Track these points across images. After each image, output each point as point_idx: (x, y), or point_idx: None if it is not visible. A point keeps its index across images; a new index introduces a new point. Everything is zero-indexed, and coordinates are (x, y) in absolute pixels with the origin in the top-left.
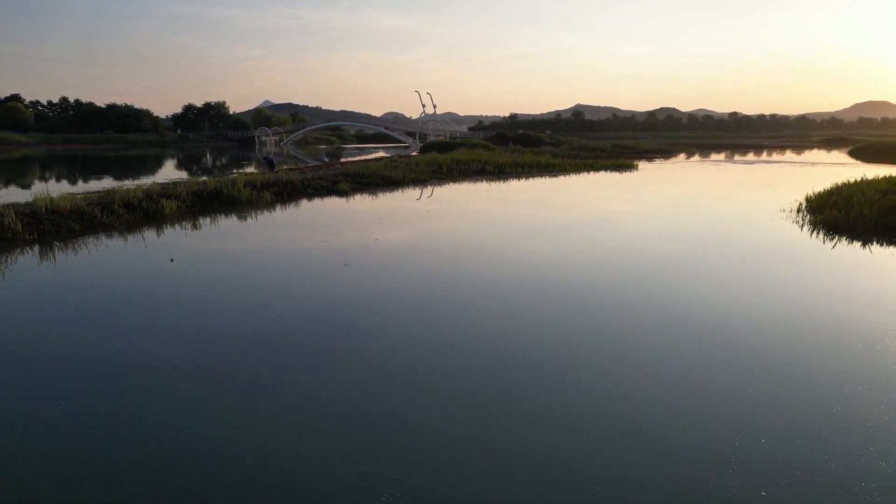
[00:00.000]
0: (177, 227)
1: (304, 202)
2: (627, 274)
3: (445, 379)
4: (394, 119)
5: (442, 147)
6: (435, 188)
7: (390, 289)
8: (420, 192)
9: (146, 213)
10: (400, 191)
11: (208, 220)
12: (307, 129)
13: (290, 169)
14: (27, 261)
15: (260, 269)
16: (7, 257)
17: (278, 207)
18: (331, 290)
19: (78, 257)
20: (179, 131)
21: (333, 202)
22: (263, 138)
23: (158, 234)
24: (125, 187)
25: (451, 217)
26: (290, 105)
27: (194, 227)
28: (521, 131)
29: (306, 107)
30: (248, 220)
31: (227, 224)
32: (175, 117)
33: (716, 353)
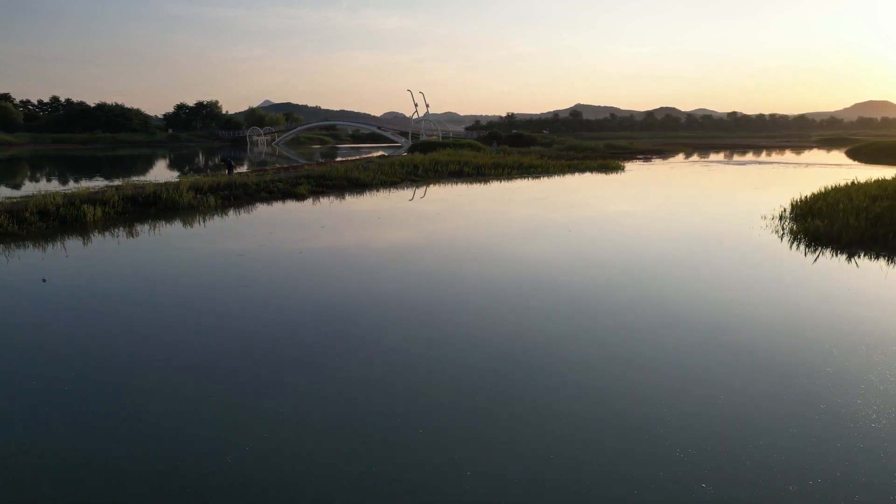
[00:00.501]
0: (96, 236)
1: (254, 207)
2: (574, 285)
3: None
4: (393, 119)
5: (427, 147)
6: (402, 191)
7: (293, 306)
8: (384, 194)
9: (64, 220)
10: (365, 194)
11: (136, 227)
12: (299, 128)
13: (255, 170)
14: None
15: (137, 282)
16: None
17: (221, 213)
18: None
19: None
20: (171, 131)
21: (285, 207)
22: (255, 138)
23: (63, 245)
24: (70, 191)
25: (399, 223)
26: (289, 105)
27: (116, 235)
28: (514, 131)
29: (305, 106)
30: (177, 226)
31: (150, 233)
32: (167, 117)
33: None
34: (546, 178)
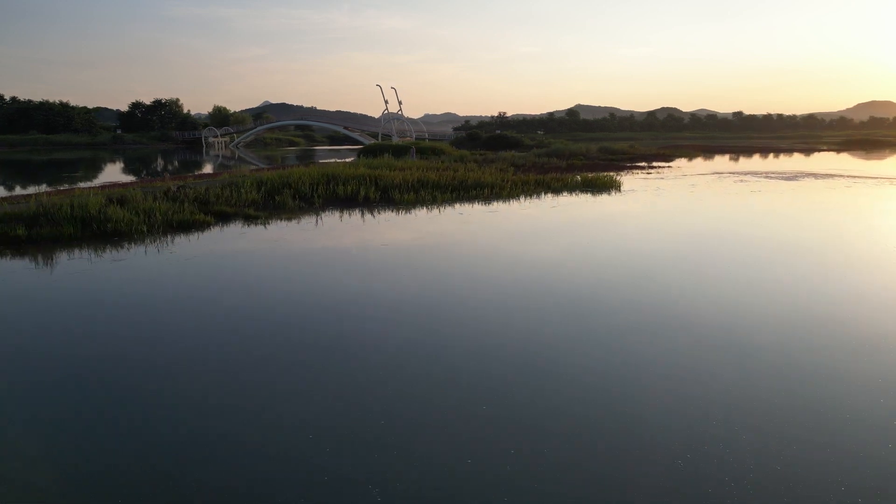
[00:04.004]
0: None
1: None
2: None
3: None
4: (391, 120)
5: (371, 152)
6: (179, 248)
7: None
8: (115, 263)
9: None
10: (104, 253)
11: None
12: (259, 128)
13: None
14: None
15: None
16: None
17: None
18: None
19: None
20: (119, 131)
21: None
22: (211, 139)
23: None
24: None
25: None
26: (284, 105)
27: None
28: (497, 131)
29: (301, 107)
30: None
31: None
32: (120, 116)
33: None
34: (493, 207)
